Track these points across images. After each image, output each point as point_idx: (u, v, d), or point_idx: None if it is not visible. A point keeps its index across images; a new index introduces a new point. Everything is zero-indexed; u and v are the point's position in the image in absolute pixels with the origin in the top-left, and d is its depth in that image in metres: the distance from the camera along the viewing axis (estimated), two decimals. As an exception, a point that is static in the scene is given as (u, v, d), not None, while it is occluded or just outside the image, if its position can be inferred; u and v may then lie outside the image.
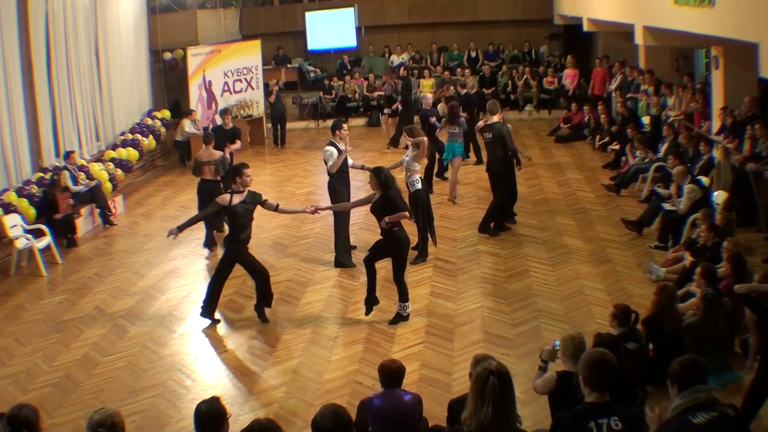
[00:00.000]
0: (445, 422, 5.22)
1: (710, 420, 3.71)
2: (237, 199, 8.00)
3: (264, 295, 8.36)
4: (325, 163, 9.77)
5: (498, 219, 10.87)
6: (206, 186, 10.42)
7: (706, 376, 3.94)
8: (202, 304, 8.37)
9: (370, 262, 8.14)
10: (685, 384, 3.85)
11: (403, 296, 8.15)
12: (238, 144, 12.22)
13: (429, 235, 9.88)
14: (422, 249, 9.83)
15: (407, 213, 7.97)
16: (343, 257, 9.84)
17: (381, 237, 8.13)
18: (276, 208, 8.32)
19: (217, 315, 8.47)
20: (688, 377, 3.87)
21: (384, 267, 9.66)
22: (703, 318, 6.62)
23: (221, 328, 8.33)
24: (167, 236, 8.13)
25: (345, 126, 10.03)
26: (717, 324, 6.61)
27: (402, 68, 19.80)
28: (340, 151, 9.71)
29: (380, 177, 7.95)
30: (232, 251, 8.21)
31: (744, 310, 6.58)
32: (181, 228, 8.07)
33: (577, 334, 5.12)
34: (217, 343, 8.01)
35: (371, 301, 8.21)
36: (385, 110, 17.69)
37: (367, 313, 8.22)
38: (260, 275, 8.28)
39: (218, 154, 10.63)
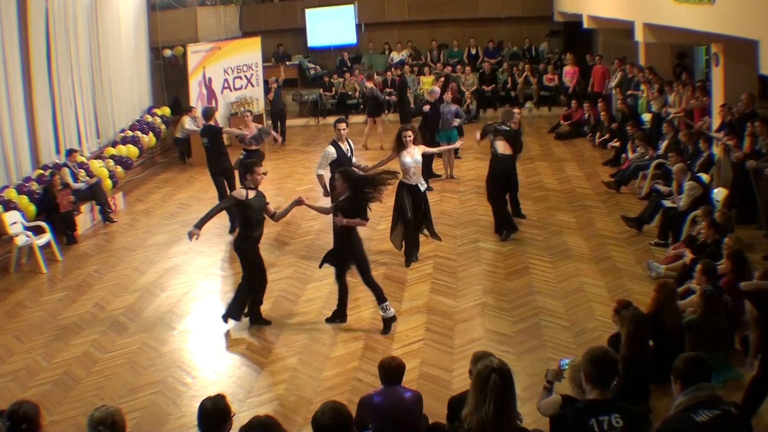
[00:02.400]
0: (445, 419, 5.23)
1: (713, 418, 3.69)
2: (252, 194, 7.89)
3: (240, 303, 8.21)
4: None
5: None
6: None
7: (709, 374, 3.92)
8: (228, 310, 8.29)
9: (340, 278, 8.06)
10: (689, 381, 3.84)
11: (380, 297, 7.94)
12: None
13: (429, 234, 9.85)
14: (408, 251, 9.67)
15: (364, 222, 7.92)
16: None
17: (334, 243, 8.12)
18: (272, 216, 8.13)
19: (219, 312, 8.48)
20: (692, 375, 3.85)
21: (385, 264, 9.69)
22: (702, 315, 6.62)
23: (221, 326, 8.32)
24: (189, 239, 7.82)
25: (341, 124, 9.94)
26: (717, 321, 6.61)
27: (393, 68, 19.79)
28: (339, 150, 9.68)
29: (350, 179, 7.78)
30: (244, 250, 8.05)
31: (744, 308, 6.58)
32: (199, 225, 7.79)
33: None
34: (217, 341, 8.01)
35: (339, 314, 8.16)
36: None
37: (328, 321, 8.16)
38: (252, 280, 8.14)
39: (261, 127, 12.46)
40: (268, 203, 8.12)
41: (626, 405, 4.05)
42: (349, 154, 9.80)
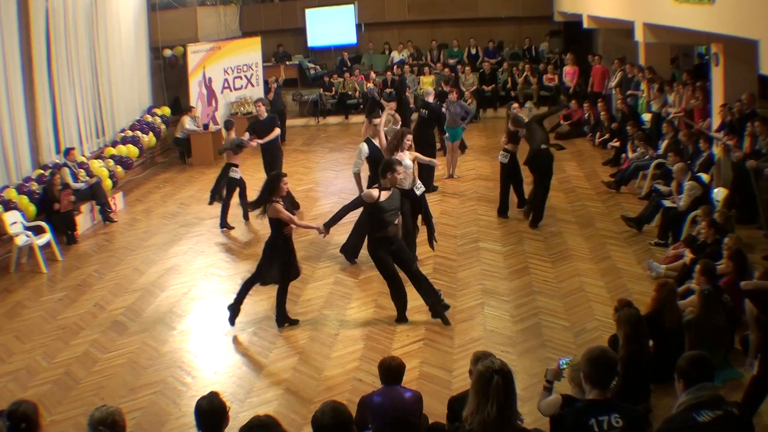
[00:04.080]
0: (445, 419, 5.23)
1: (715, 419, 3.68)
2: (384, 195, 7.75)
3: (401, 305, 8.05)
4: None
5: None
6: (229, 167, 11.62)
7: (712, 374, 3.91)
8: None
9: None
10: (692, 380, 3.83)
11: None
12: (276, 132, 12.20)
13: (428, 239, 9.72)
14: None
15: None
16: (348, 252, 9.77)
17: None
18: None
19: (225, 311, 8.52)
20: (695, 374, 3.84)
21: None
22: (701, 314, 6.62)
23: (221, 326, 8.32)
24: (320, 235, 8.46)
25: (376, 119, 9.99)
26: (715, 320, 6.61)
27: (395, 67, 19.79)
28: (372, 146, 9.58)
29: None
30: (371, 251, 7.95)
31: (744, 308, 6.58)
32: (328, 225, 8.22)
33: None
34: (217, 341, 8.01)
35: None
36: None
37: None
38: (391, 283, 7.99)
39: (232, 138, 11.82)
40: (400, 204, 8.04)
41: (626, 405, 4.05)
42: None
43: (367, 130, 16.39)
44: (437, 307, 7.92)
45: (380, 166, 7.96)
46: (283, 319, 8.18)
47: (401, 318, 8.04)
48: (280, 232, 7.91)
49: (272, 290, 9.10)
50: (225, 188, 11.72)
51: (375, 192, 7.74)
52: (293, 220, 8.01)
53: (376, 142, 9.72)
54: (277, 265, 7.96)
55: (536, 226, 10.74)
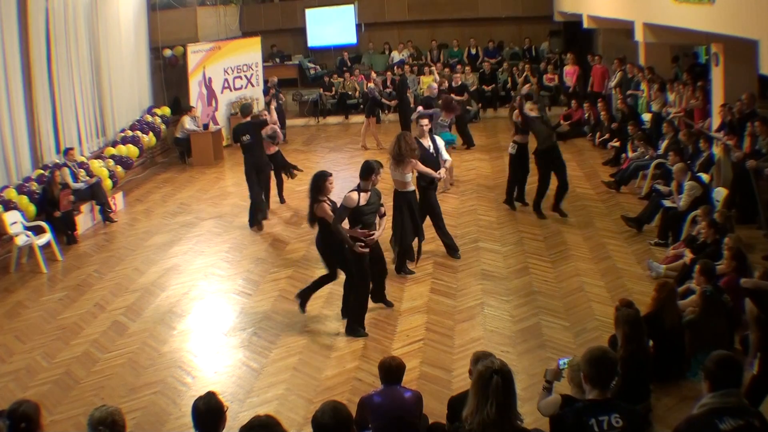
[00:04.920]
0: (445, 419, 5.23)
1: (737, 428, 3.61)
2: (364, 198, 7.62)
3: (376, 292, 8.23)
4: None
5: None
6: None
7: (740, 379, 3.84)
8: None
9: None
10: (719, 383, 3.74)
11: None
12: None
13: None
14: (401, 258, 9.34)
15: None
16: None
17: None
18: (382, 216, 7.92)
19: (225, 311, 8.49)
20: (722, 377, 3.75)
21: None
22: (702, 315, 6.63)
23: (221, 326, 8.33)
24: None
25: (424, 120, 9.87)
26: (716, 321, 6.62)
27: (395, 67, 19.81)
28: (421, 146, 9.42)
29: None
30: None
31: (744, 307, 6.58)
32: (350, 247, 7.68)
33: None
34: (217, 340, 8.01)
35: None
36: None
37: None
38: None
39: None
40: (382, 204, 7.93)
41: (626, 405, 4.05)
42: (431, 151, 9.57)
43: (367, 129, 16.48)
44: (382, 298, 8.38)
45: (362, 168, 7.79)
46: (305, 299, 8.41)
47: (346, 315, 8.05)
48: (328, 228, 7.81)
49: (272, 291, 9.17)
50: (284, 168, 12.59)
51: (354, 195, 7.61)
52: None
53: (424, 142, 9.56)
54: (340, 256, 7.94)
55: (538, 209, 11.13)
